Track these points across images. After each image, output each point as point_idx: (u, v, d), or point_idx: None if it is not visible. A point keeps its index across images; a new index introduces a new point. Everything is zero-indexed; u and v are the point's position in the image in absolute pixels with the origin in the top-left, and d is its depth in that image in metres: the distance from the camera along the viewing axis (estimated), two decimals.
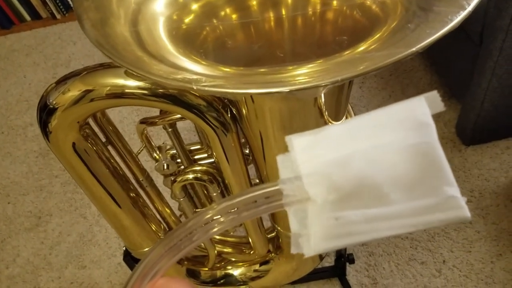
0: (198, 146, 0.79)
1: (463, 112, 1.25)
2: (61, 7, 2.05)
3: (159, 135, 1.45)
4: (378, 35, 0.39)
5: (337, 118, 0.54)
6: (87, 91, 0.50)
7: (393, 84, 1.47)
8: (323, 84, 0.31)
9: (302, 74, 0.36)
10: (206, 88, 0.31)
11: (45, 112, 0.52)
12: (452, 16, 0.32)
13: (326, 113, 0.51)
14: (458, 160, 1.24)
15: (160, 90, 0.51)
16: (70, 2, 2.07)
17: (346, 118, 0.60)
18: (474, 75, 1.11)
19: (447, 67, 1.35)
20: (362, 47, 0.38)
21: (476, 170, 1.21)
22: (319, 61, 0.37)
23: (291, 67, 0.39)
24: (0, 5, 2.02)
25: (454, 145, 1.28)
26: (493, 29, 0.99)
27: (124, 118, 1.54)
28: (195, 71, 0.40)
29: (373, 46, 0.38)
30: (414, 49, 0.30)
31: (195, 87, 0.31)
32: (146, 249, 0.82)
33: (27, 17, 2.10)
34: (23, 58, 1.90)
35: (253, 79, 0.38)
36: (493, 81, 1.06)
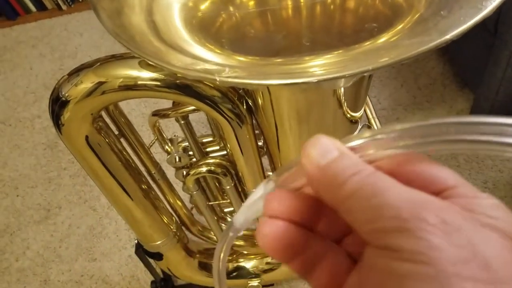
0: (210, 139, 0.78)
1: (476, 102, 1.23)
2: None
3: (167, 127, 1.44)
4: (400, 26, 0.38)
5: (355, 109, 0.53)
6: (100, 83, 0.49)
7: (404, 73, 1.45)
8: (351, 74, 0.29)
9: (326, 64, 0.35)
10: (230, 80, 0.30)
11: (58, 104, 0.51)
12: (486, 2, 0.31)
13: (345, 104, 0.50)
14: (471, 151, 1.22)
15: (174, 81, 0.50)
16: None
17: (365, 110, 0.59)
18: (488, 64, 1.09)
19: (460, 56, 1.33)
20: (386, 38, 0.36)
21: (490, 161, 1.19)
22: (344, 51, 0.35)
23: (308, 57, 0.38)
24: None
25: None
26: (509, 18, 0.97)
27: (132, 109, 1.53)
28: (212, 60, 0.39)
29: (397, 36, 0.36)
30: (448, 36, 0.29)
31: (218, 79, 0.30)
32: (158, 242, 0.81)
33: (33, 8, 2.08)
34: (29, 50, 1.89)
35: (275, 70, 0.36)
36: (508, 70, 1.04)
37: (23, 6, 2.06)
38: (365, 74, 0.28)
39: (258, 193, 0.25)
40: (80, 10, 2.04)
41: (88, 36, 1.88)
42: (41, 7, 2.08)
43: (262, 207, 0.24)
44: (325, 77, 0.29)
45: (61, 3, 2.04)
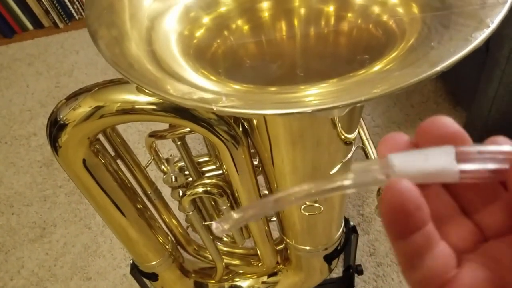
0: (206, 158, 0.78)
1: (469, 120, 1.25)
2: (63, 16, 2.05)
3: (163, 144, 1.44)
4: (394, 54, 0.39)
5: (350, 131, 0.54)
6: (98, 108, 0.50)
7: None
8: (344, 105, 0.30)
9: (320, 94, 0.35)
10: (227, 109, 0.30)
11: (56, 127, 0.52)
12: (476, 34, 0.32)
13: (339, 125, 0.50)
14: None
15: (170, 105, 0.50)
16: (73, 11, 2.08)
17: (358, 131, 0.60)
18: (480, 83, 1.11)
19: (452, 74, 1.35)
20: (380, 66, 0.37)
21: None
22: (338, 80, 0.36)
23: (302, 86, 0.38)
24: (1, 14, 2.02)
25: None
26: (500, 37, 0.98)
27: (128, 127, 1.54)
28: (209, 89, 0.40)
29: (391, 65, 0.37)
30: (438, 68, 0.30)
31: (215, 108, 0.30)
32: (154, 262, 0.81)
33: (29, 26, 2.10)
34: (25, 67, 1.90)
35: (270, 98, 0.37)
36: (500, 89, 1.05)
37: (19, 24, 2.08)
38: (358, 105, 0.29)
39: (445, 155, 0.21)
40: (76, 28, 2.06)
41: (84, 54, 1.89)
42: (37, 25, 2.09)
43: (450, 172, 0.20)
44: (319, 107, 0.29)
45: (57, 21, 2.06)
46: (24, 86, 1.80)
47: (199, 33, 0.48)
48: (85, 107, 0.50)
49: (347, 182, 0.22)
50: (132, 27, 0.41)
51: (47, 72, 1.85)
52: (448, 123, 0.21)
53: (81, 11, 2.08)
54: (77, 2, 2.05)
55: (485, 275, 0.21)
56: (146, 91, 0.35)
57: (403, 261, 0.22)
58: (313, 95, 0.34)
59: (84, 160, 0.56)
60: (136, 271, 0.87)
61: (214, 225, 0.24)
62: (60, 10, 2.03)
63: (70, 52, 1.92)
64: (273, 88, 0.38)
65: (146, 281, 0.93)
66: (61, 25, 2.07)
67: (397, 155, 0.21)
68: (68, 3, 2.04)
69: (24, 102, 1.73)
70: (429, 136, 0.21)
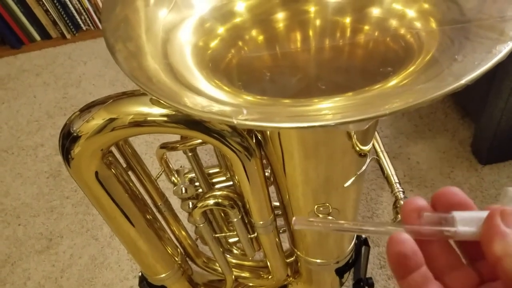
0: (217, 170, 0.78)
1: (478, 131, 1.24)
2: (71, 27, 2.06)
3: (171, 154, 1.43)
4: (412, 68, 0.38)
5: (365, 143, 0.53)
6: (111, 120, 0.50)
7: None
8: (368, 118, 0.29)
9: (339, 107, 0.35)
10: (247, 122, 0.30)
11: (68, 139, 0.52)
12: (499, 47, 0.31)
13: (355, 137, 0.50)
14: (475, 180, 1.23)
15: (183, 117, 0.50)
16: (80, 22, 2.09)
17: (373, 143, 0.59)
18: (490, 95, 1.10)
19: None
20: (397, 81, 0.37)
21: (494, 190, 1.19)
22: (354, 94, 0.36)
23: (317, 100, 0.38)
24: (9, 25, 2.03)
25: (470, 164, 1.26)
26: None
27: (136, 137, 1.53)
28: (227, 101, 0.39)
29: (409, 79, 0.36)
30: (463, 81, 0.29)
31: (235, 122, 0.30)
32: (163, 274, 0.80)
33: (37, 37, 2.11)
34: (33, 78, 1.91)
35: (287, 111, 0.36)
36: (510, 101, 1.04)
37: (27, 35, 2.09)
38: (383, 117, 0.28)
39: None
40: (84, 39, 2.07)
41: (92, 64, 1.90)
42: (45, 35, 2.11)
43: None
44: (342, 120, 0.29)
45: (65, 32, 2.07)
46: (31, 97, 1.81)
47: (213, 43, 0.47)
48: (98, 119, 0.50)
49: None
50: (148, 40, 0.41)
51: (55, 83, 1.85)
52: (458, 192, 0.28)
53: (89, 22, 2.09)
54: (84, 13, 2.06)
55: None
56: (165, 104, 0.34)
57: None
58: (333, 108, 0.34)
59: (96, 172, 0.56)
60: (144, 284, 0.86)
61: (294, 219, 0.29)
62: (68, 21, 2.05)
63: (77, 63, 1.93)
64: (286, 100, 0.38)
65: None
66: (68, 36, 2.08)
67: (460, 213, 0.26)
68: (75, 14, 2.06)
69: (31, 113, 1.74)
70: (443, 202, 0.27)
